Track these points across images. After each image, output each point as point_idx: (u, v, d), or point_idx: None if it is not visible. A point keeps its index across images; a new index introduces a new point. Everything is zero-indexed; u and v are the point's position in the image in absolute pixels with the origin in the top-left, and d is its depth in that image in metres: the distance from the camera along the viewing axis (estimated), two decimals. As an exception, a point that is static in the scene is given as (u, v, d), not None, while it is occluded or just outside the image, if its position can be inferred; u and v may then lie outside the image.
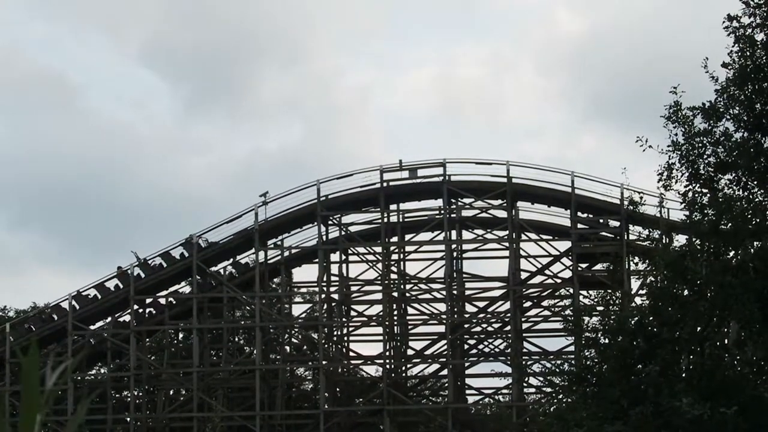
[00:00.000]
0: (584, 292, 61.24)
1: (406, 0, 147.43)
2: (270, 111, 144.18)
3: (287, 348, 74.03)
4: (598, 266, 64.60)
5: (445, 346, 67.36)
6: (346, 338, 71.31)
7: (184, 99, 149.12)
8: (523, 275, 67.99)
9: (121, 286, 67.91)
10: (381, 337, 68.25)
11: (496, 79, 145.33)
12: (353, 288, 71.27)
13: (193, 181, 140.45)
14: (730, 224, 28.75)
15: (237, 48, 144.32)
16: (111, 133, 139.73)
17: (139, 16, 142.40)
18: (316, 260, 67.79)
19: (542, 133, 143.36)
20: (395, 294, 68.68)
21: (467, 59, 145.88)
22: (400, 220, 69.38)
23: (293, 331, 73.79)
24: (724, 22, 29.43)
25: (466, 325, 69.56)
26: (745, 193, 29.61)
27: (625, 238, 62.93)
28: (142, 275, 67.83)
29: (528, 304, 69.34)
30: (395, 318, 69.32)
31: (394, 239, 69.07)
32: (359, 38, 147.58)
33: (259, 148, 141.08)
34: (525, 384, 67.30)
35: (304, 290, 77.11)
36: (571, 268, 65.75)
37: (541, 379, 63.63)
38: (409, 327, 71.23)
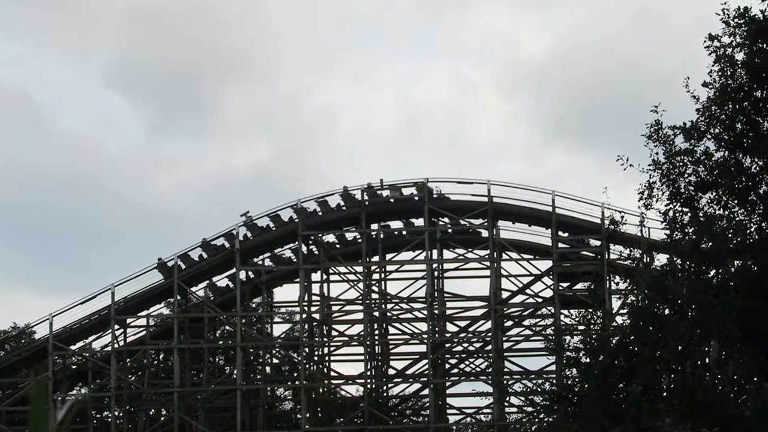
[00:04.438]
0: (565, 312, 61.26)
1: (372, 19, 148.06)
2: (238, 129, 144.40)
3: (267, 368, 73.82)
4: (579, 285, 64.55)
5: (427, 366, 67.22)
6: (327, 358, 71.11)
7: (150, 119, 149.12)
8: (505, 294, 67.94)
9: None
10: (362, 357, 68.06)
11: (461, 99, 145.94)
12: (334, 307, 71.13)
13: (164, 199, 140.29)
14: (711, 243, 28.78)
15: (202, 67, 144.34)
16: (78, 154, 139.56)
17: (103, 36, 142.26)
18: (297, 280, 67.65)
19: (508, 153, 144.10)
20: (376, 313, 68.55)
21: (433, 79, 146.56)
22: (381, 239, 69.28)
23: (274, 351, 73.56)
24: (705, 41, 29.56)
25: (447, 345, 69.47)
26: (726, 212, 29.66)
27: (606, 257, 62.96)
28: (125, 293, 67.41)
29: (509, 323, 69.28)
30: (376, 338, 69.17)
31: (375, 258, 68.99)
32: (325, 57, 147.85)
33: (229, 167, 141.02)
34: (506, 403, 67.09)
35: (284, 310, 76.90)
36: (552, 287, 65.74)
37: (523, 398, 63.46)
38: (391, 346, 71.09)
